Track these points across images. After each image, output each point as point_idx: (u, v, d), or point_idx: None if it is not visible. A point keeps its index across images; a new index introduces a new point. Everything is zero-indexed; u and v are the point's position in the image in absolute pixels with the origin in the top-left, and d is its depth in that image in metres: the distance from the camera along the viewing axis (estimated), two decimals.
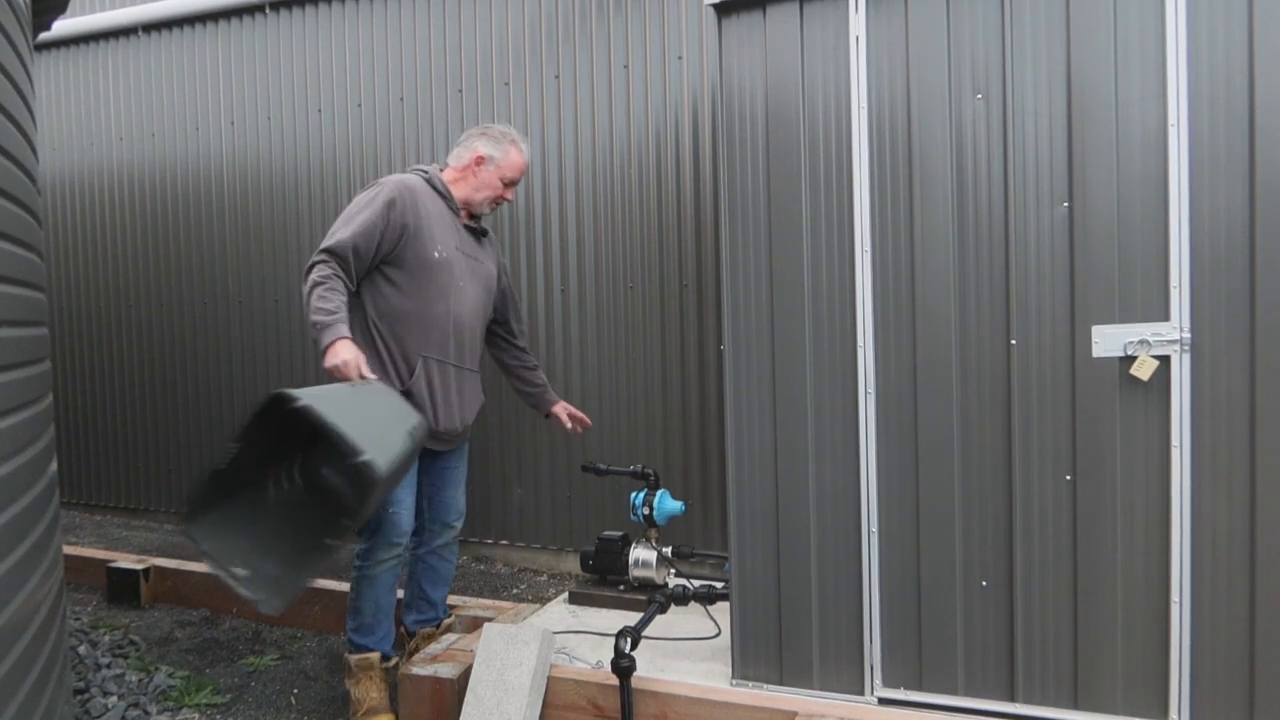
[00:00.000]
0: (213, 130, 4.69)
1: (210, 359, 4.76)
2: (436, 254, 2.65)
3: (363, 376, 2.37)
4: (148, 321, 4.96)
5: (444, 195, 2.76)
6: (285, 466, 2.28)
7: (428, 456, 2.81)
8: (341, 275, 2.53)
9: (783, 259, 2.43)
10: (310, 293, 2.47)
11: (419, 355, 2.65)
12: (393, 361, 2.65)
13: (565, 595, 3.34)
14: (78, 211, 5.13)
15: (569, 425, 3.19)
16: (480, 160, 2.80)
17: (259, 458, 2.19)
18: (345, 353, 2.37)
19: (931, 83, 2.28)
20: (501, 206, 3.88)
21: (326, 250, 2.53)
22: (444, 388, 2.70)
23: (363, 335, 2.63)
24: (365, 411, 2.18)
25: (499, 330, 3.09)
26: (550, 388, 3.22)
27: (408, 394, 2.63)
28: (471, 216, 2.87)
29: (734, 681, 2.52)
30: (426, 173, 2.79)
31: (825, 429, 2.42)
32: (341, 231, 2.55)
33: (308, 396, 2.01)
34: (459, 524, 2.96)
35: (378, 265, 2.63)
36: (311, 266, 2.53)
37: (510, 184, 2.86)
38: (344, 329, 2.41)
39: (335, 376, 2.36)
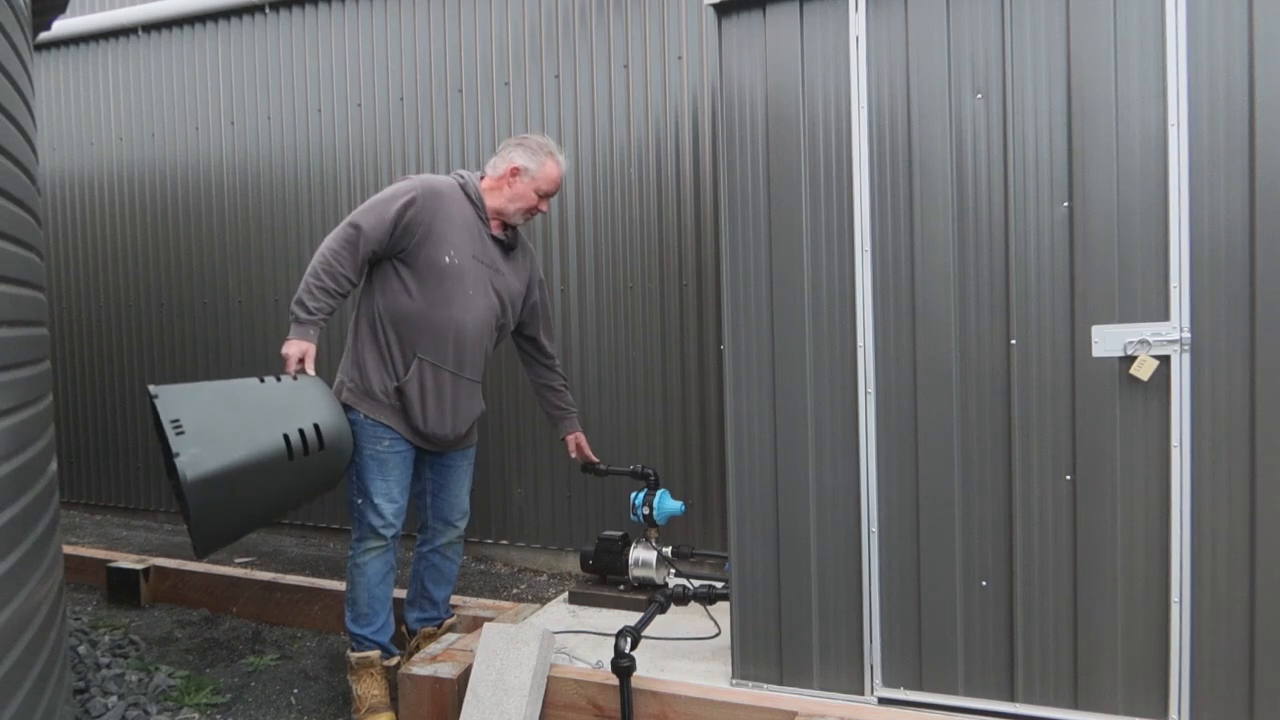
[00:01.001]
0: (213, 130, 4.69)
1: (210, 359, 4.76)
2: (448, 259, 2.65)
3: (302, 371, 2.59)
4: (148, 321, 4.95)
5: (475, 203, 2.76)
6: None
7: (429, 454, 2.82)
8: (346, 269, 2.62)
9: (783, 259, 2.43)
10: (307, 281, 2.62)
11: (415, 356, 2.66)
12: (390, 358, 2.68)
13: (565, 595, 3.34)
14: (78, 211, 5.13)
15: (574, 454, 3.24)
16: (515, 171, 2.79)
17: None
18: (293, 348, 2.59)
19: (931, 83, 2.28)
20: None
21: (341, 237, 2.62)
22: (437, 393, 2.70)
23: (368, 326, 2.71)
24: (240, 410, 2.41)
25: (526, 346, 3.09)
26: (574, 413, 3.22)
27: (400, 391, 2.65)
28: (506, 228, 2.85)
29: (734, 681, 2.52)
30: (464, 178, 2.79)
31: (825, 429, 2.41)
32: (359, 217, 2.64)
33: (169, 392, 2.32)
34: (462, 524, 2.96)
35: (392, 261, 2.67)
36: (323, 253, 2.63)
37: (545, 196, 2.84)
38: (312, 331, 2.61)
39: (283, 363, 2.61)
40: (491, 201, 2.79)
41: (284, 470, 2.39)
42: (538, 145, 2.83)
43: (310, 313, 2.59)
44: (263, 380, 2.49)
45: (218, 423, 2.32)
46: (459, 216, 2.70)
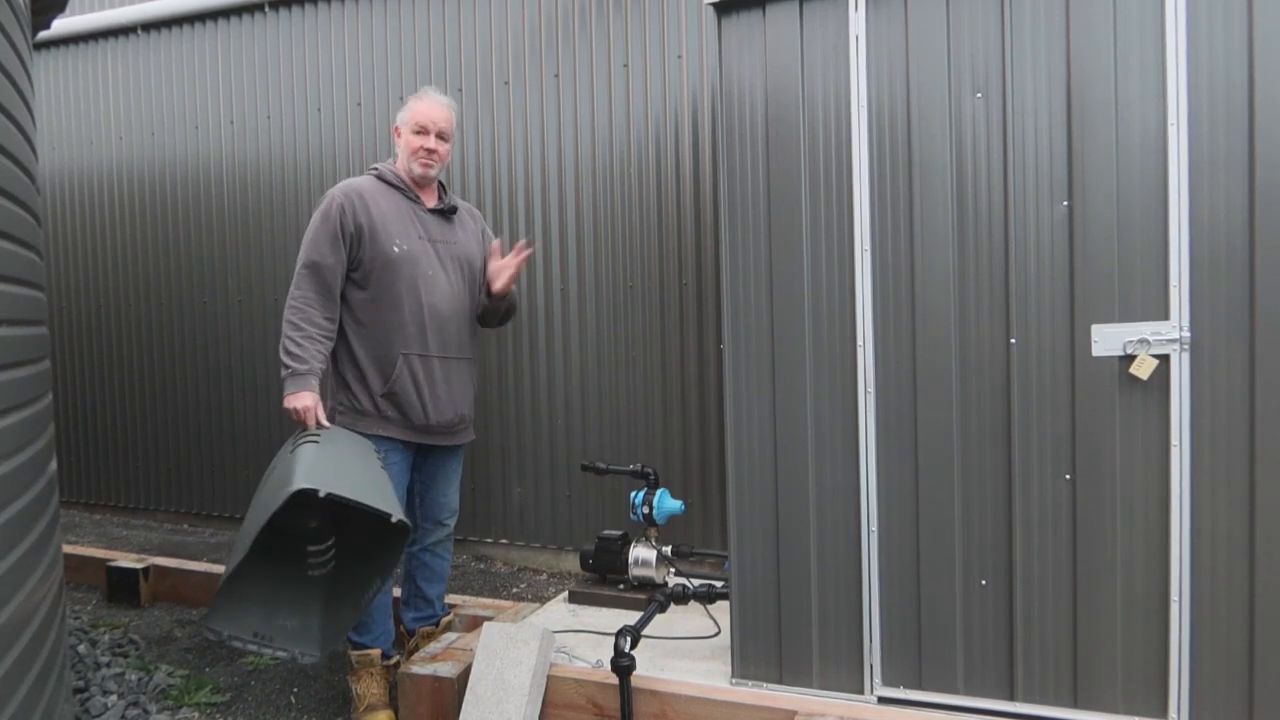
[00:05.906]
0: (213, 130, 4.69)
1: (210, 358, 4.77)
2: (396, 249, 2.66)
3: (319, 424, 2.54)
4: (147, 321, 4.95)
5: (399, 187, 2.76)
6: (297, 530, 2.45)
7: (419, 454, 2.82)
8: (316, 308, 2.60)
9: (783, 259, 2.44)
10: (286, 334, 2.59)
11: (399, 354, 2.66)
12: (372, 367, 2.67)
13: (565, 594, 3.34)
14: (77, 210, 5.13)
15: (514, 258, 2.85)
16: (397, 132, 2.83)
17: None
18: (307, 399, 2.53)
19: (931, 82, 2.28)
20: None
21: (298, 282, 2.63)
22: (429, 381, 2.71)
23: (342, 346, 2.71)
24: (360, 468, 2.37)
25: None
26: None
27: (390, 395, 2.65)
28: (441, 196, 2.85)
29: (734, 680, 2.52)
30: (378, 169, 2.80)
31: (825, 429, 2.42)
32: (306, 255, 2.64)
33: (323, 482, 2.17)
34: (452, 522, 2.96)
35: (346, 276, 2.68)
36: (288, 304, 2.62)
37: (421, 131, 2.73)
38: (312, 381, 2.55)
39: (293, 418, 2.55)
40: (407, 175, 2.79)
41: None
42: (411, 98, 2.87)
43: (302, 360, 2.54)
44: (317, 439, 2.39)
45: (367, 480, 2.30)
46: (387, 206, 2.70)
